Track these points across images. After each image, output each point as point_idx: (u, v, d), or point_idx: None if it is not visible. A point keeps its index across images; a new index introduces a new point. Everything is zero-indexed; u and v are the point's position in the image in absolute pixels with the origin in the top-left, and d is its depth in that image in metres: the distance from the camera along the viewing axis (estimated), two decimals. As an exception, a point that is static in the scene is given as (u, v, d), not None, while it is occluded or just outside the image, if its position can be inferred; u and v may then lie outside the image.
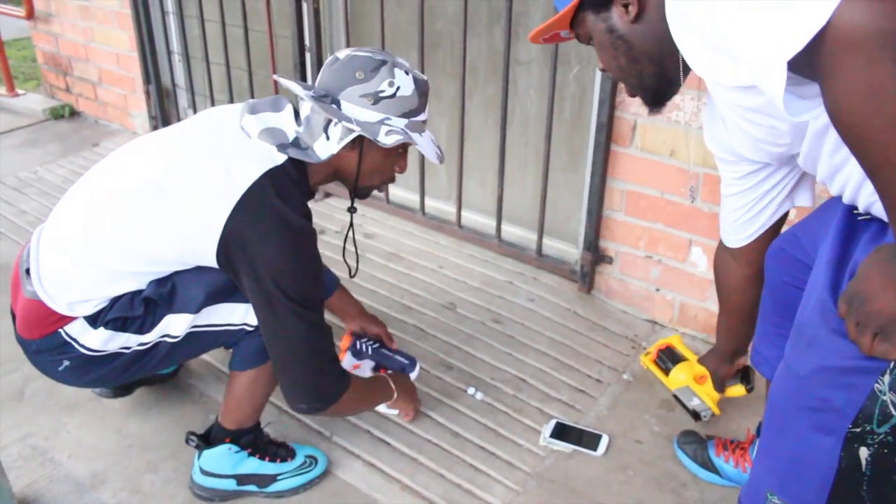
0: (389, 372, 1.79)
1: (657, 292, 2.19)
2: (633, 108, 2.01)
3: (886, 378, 0.94)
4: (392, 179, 1.59)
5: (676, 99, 1.90)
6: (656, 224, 2.11)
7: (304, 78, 2.68)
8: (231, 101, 3.00)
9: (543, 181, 2.26)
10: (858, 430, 0.98)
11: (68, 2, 3.56)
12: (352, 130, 1.40)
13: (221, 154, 1.39)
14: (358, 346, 1.84)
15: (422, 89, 1.46)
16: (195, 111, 3.30)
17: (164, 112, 3.39)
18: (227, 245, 1.34)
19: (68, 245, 1.42)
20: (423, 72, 1.61)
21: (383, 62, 1.41)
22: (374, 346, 1.86)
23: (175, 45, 3.26)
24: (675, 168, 2.01)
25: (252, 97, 2.89)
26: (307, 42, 2.63)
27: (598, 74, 2.01)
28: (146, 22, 3.18)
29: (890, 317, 0.87)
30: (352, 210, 1.68)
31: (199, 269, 1.43)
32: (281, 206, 1.36)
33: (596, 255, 2.24)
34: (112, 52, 3.49)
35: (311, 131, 1.43)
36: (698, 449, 1.69)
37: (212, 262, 1.38)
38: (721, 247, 1.48)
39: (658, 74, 1.16)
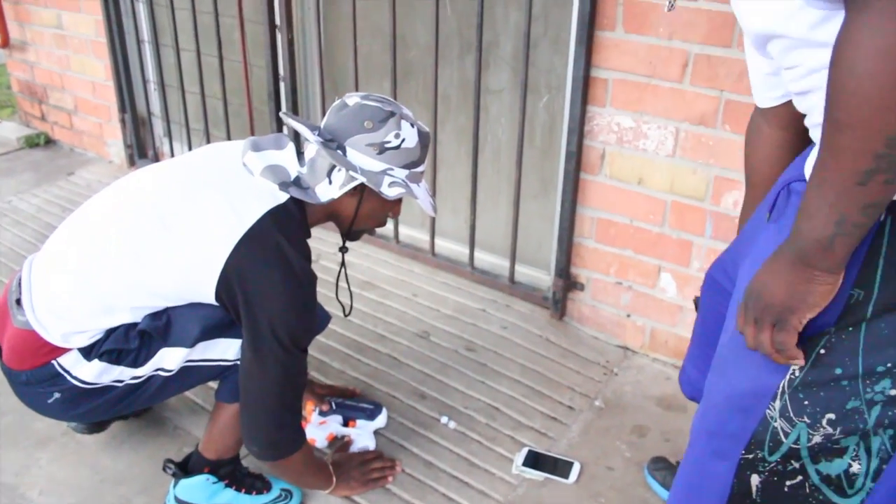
0: (353, 448, 1.81)
1: (628, 318, 2.21)
2: (601, 136, 2.04)
3: (777, 404, 0.95)
4: (384, 224, 1.63)
5: (643, 127, 1.96)
6: (626, 251, 2.14)
7: (278, 106, 2.70)
8: (206, 129, 3.02)
9: (515, 209, 2.28)
10: (751, 456, 1.00)
11: (44, 30, 3.56)
12: (355, 178, 1.44)
13: (226, 190, 1.40)
14: (323, 407, 1.88)
15: (424, 141, 1.50)
16: (171, 140, 3.31)
17: (139, 140, 3.39)
18: (228, 281, 1.35)
19: (66, 275, 1.42)
20: (395, 100, 1.63)
21: (392, 114, 1.44)
22: (338, 400, 1.90)
23: (151, 73, 3.27)
24: (643, 196, 2.05)
25: (227, 126, 2.91)
26: (281, 71, 2.65)
27: (568, 103, 2.05)
28: (122, 51, 3.19)
29: (782, 305, 0.89)
30: (343, 250, 1.70)
31: (195, 303, 1.44)
32: (285, 246, 1.37)
33: (568, 281, 2.27)
34: (88, 81, 3.49)
35: (315, 173, 1.46)
36: (668, 475, 1.71)
37: (210, 297, 1.38)
38: (754, 112, 1.30)
39: None
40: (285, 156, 1.48)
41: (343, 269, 1.74)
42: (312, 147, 1.46)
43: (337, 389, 1.97)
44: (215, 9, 2.68)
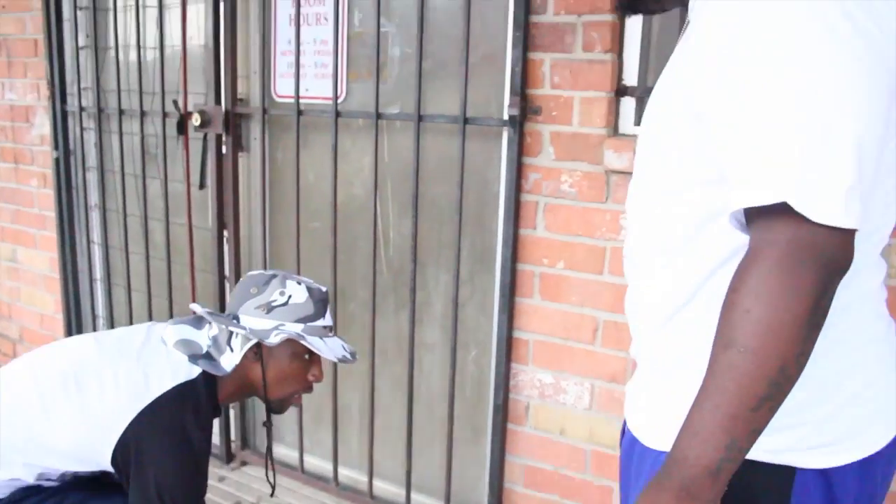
0: None
1: (558, 564, 2.30)
2: (525, 390, 2.23)
3: None
4: (309, 389, 1.66)
5: (562, 383, 2.16)
6: (553, 495, 2.27)
7: (222, 308, 2.84)
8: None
9: (448, 455, 2.41)
10: None
11: (-3, 263, 3.71)
12: (248, 339, 1.52)
13: (144, 360, 1.48)
14: None
15: (317, 297, 1.57)
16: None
17: (83, 371, 3.46)
18: (126, 445, 1.39)
19: None
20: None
21: (274, 275, 1.57)
22: None
23: (100, 309, 3.40)
24: (566, 445, 2.21)
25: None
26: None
27: (494, 361, 2.25)
28: (74, 287, 3.33)
29: None
30: (267, 425, 1.73)
31: (93, 492, 1.47)
32: (187, 421, 1.43)
33: (500, 526, 2.36)
34: (36, 313, 3.60)
35: (219, 346, 1.54)
36: None
37: (106, 459, 1.41)
38: None
39: None
40: (201, 334, 1.56)
41: (269, 446, 1.78)
42: (214, 325, 1.56)
43: None
44: (168, 256, 2.88)
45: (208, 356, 1.53)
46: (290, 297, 1.54)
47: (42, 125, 3.27)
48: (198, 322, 1.60)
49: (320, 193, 2.56)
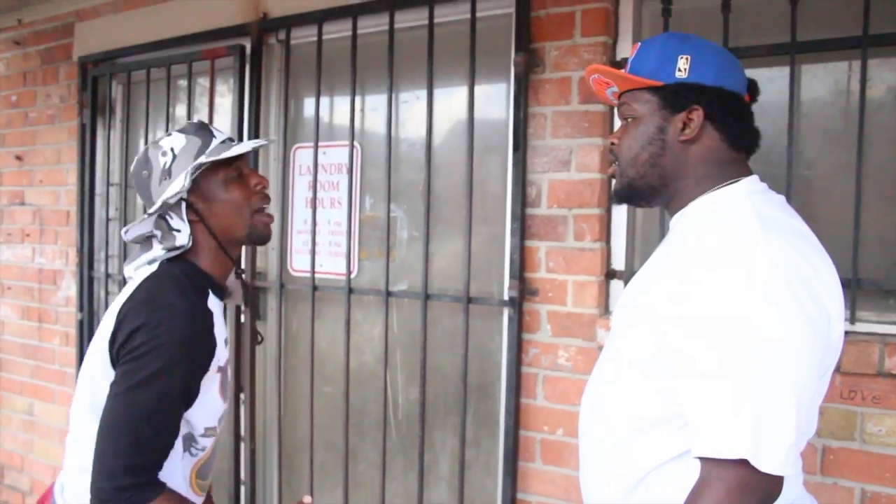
0: None
1: None
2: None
3: None
4: (264, 200, 1.55)
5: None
6: None
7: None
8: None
9: None
10: None
11: (13, 415, 3.82)
12: (176, 207, 1.46)
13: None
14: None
15: (193, 129, 1.50)
16: None
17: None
18: (114, 338, 1.37)
19: (72, 449, 1.47)
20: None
21: (145, 151, 1.51)
22: None
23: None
24: None
25: None
26: (242, 475, 2.93)
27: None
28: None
29: None
30: (239, 274, 1.65)
31: None
32: (167, 288, 1.40)
33: None
34: (49, 465, 3.69)
35: (167, 237, 1.48)
36: None
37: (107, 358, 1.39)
38: None
39: (651, 188, 1.24)
40: (153, 249, 1.51)
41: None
42: (154, 232, 1.50)
43: None
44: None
45: (167, 251, 1.49)
46: (172, 149, 1.49)
47: (68, 288, 3.48)
48: (145, 247, 1.54)
49: (333, 360, 2.73)
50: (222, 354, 1.50)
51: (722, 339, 1.02)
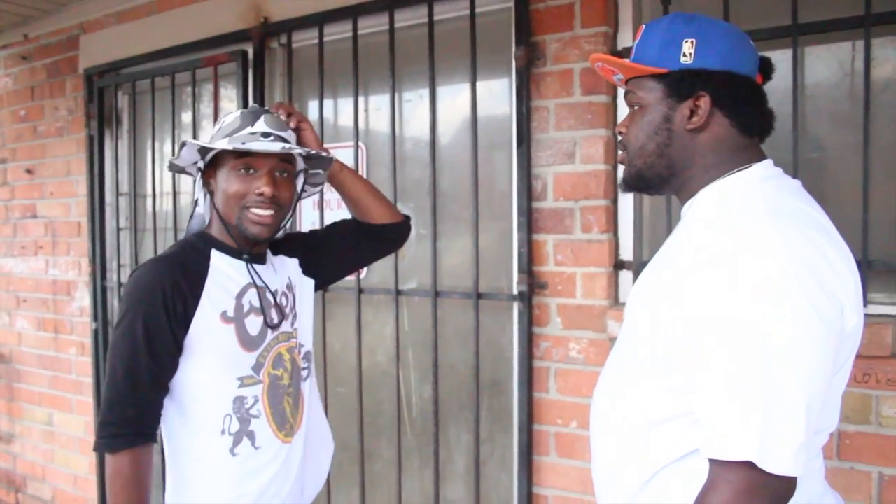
0: None
1: None
2: (548, 548, 2.33)
3: None
4: (261, 204, 1.48)
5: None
6: None
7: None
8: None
9: None
10: None
11: (34, 426, 3.86)
12: (196, 177, 1.57)
13: None
14: None
15: (246, 112, 1.51)
16: None
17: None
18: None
19: None
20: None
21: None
22: None
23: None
24: None
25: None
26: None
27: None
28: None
29: None
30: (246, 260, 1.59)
31: None
32: (147, 267, 1.49)
33: None
34: (70, 474, 3.72)
35: (199, 205, 1.61)
36: None
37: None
38: None
39: (660, 177, 1.21)
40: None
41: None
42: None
43: None
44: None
45: (199, 222, 1.60)
46: (224, 120, 1.52)
47: (82, 298, 3.51)
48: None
49: (345, 361, 2.74)
50: (227, 304, 1.50)
51: (729, 340, 0.99)
